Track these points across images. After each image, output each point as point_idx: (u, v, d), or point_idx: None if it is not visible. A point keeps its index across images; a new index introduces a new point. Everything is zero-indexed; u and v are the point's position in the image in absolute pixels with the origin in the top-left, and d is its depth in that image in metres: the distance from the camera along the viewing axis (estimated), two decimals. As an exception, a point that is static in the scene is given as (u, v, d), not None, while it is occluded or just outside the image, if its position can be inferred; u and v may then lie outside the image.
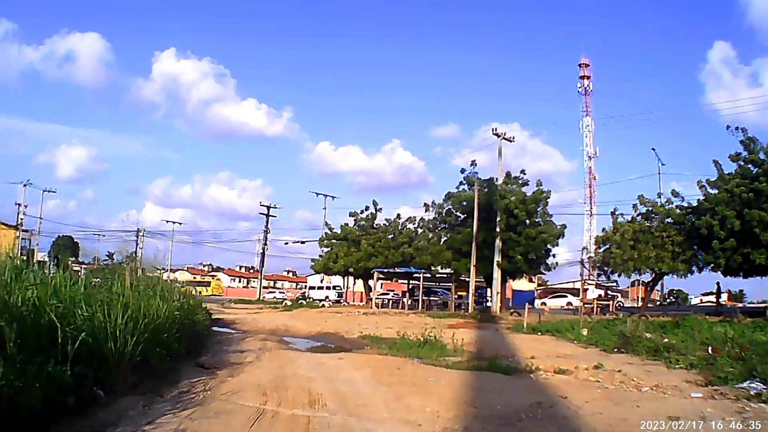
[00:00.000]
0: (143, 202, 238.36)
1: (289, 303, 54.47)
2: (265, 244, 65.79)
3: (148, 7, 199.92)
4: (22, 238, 78.75)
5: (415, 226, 52.54)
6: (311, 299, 62.20)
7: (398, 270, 49.41)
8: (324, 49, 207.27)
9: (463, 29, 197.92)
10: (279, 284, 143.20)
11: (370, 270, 50.62)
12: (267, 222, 65.83)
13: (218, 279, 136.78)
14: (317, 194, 76.44)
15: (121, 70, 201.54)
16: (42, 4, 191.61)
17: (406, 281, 55.54)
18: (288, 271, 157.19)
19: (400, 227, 53.92)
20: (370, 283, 55.46)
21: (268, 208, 66.83)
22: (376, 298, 50.17)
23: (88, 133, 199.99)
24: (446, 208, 47.11)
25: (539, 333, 24.99)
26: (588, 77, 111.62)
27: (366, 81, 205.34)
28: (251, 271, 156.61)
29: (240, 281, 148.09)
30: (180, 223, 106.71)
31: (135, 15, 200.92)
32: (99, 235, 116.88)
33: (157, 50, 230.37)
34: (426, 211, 49.06)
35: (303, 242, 67.78)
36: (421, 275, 47.59)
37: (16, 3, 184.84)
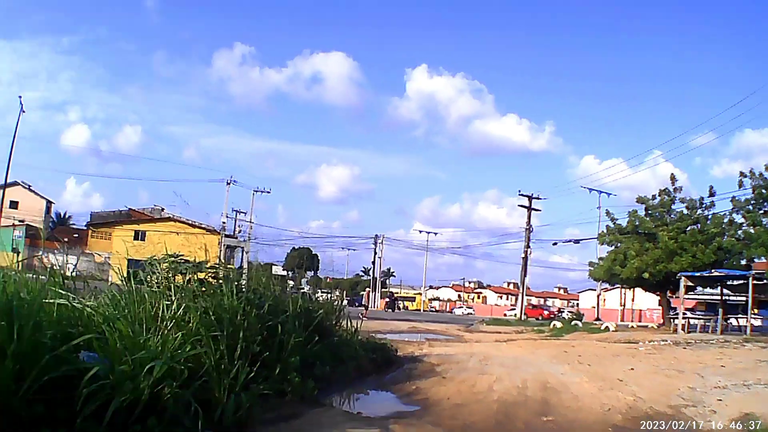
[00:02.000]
0: (411, 221, 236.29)
1: (558, 325, 39.15)
2: (528, 246, 50.58)
3: (392, 24, 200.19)
4: (227, 246, 71.96)
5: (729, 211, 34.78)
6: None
7: (716, 273, 31.65)
8: (580, 60, 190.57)
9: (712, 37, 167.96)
10: (549, 302, 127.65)
11: (672, 274, 33.86)
12: (529, 217, 50.78)
13: (417, 296, 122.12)
14: (590, 190, 60.54)
15: (373, 88, 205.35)
16: (274, 28, 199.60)
17: (716, 292, 37.73)
18: (559, 288, 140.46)
19: (706, 212, 36.49)
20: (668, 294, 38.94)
21: (530, 198, 51.70)
22: (684, 318, 32.90)
23: (348, 153, 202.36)
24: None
25: None
26: None
27: (622, 90, 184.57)
28: (518, 287, 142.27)
29: (507, 298, 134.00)
30: (436, 233, 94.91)
31: (378, 32, 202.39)
32: (347, 249, 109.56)
33: (408, 67, 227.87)
34: (740, 186, 31.75)
35: (578, 241, 52.04)
36: (750, 280, 29.59)
37: (249, 27, 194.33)
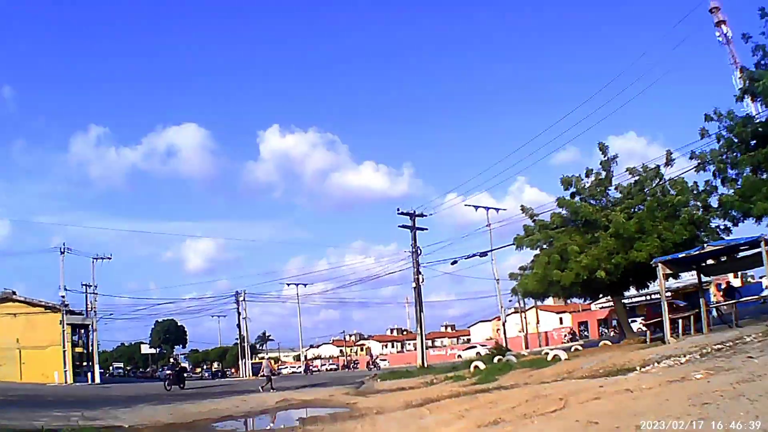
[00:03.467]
0: (281, 284, 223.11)
1: (480, 366, 27.92)
2: (418, 273, 38.30)
3: (239, 88, 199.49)
4: (71, 324, 58.84)
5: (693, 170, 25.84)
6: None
7: (710, 247, 20.81)
8: (428, 97, 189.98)
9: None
10: (438, 342, 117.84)
11: (634, 267, 24.20)
12: (414, 237, 37.98)
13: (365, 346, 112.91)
14: (476, 207, 50.65)
15: (227, 155, 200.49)
16: (126, 105, 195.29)
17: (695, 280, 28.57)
18: (446, 326, 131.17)
19: (660, 180, 26.84)
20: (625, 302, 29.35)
21: (412, 216, 39.57)
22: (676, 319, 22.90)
23: (211, 225, 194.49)
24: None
25: None
26: (724, 21, 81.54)
27: (472, 120, 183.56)
28: (403, 333, 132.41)
29: (393, 346, 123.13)
30: (305, 284, 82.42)
31: (226, 98, 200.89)
32: (213, 314, 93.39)
33: (260, 130, 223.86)
34: (703, 136, 22.98)
35: (484, 254, 40.29)
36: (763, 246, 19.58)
37: (101, 107, 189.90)
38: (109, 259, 62.95)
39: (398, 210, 38.44)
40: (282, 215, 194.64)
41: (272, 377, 33.42)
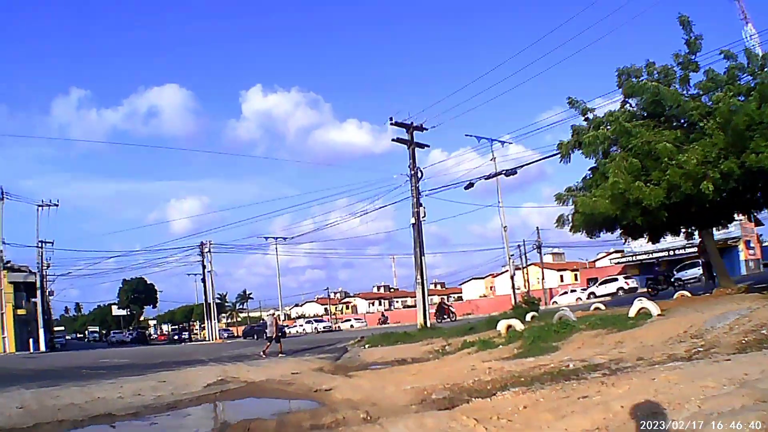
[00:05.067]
0: (266, 243, 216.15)
1: (518, 326, 18.80)
2: (419, 204, 27.66)
3: (221, 49, 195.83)
4: (12, 283, 50.49)
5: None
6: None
7: None
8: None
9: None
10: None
11: (751, 176, 15.98)
12: (413, 154, 26.36)
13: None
14: (479, 138, 42.16)
15: (210, 115, 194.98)
16: (107, 68, 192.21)
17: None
18: (435, 284, 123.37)
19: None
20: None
21: (408, 127, 29.42)
22: None
23: (195, 184, 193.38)
24: None
25: None
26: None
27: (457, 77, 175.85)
28: (390, 290, 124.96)
29: (380, 303, 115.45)
30: (284, 239, 73.20)
31: (208, 59, 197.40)
32: (189, 273, 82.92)
33: (242, 89, 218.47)
34: None
35: (512, 172, 31.06)
36: None
37: (82, 70, 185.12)
38: (56, 206, 54.54)
39: (391, 120, 29.04)
40: (266, 173, 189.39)
41: (281, 338, 25.78)
